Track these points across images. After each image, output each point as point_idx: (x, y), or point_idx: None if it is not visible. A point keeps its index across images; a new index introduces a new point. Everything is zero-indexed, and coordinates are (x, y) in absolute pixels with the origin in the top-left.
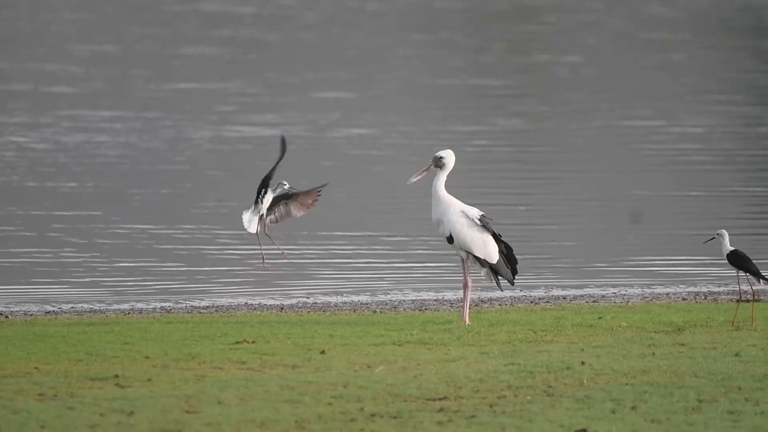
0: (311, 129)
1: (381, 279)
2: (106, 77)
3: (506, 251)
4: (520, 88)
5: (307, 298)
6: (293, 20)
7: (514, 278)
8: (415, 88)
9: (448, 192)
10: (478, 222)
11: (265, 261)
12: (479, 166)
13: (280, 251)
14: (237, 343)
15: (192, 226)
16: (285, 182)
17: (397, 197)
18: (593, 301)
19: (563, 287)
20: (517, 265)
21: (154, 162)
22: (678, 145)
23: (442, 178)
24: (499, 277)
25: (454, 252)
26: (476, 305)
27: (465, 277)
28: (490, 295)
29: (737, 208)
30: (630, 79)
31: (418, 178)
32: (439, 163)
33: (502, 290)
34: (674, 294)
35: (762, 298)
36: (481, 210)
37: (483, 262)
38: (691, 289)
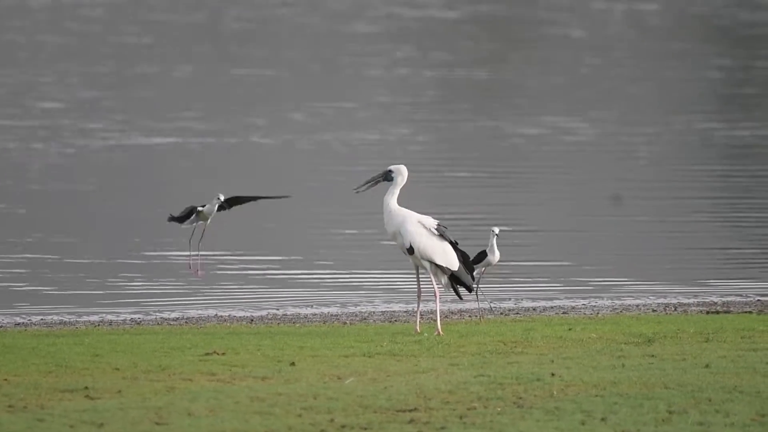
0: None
1: (351, 290)
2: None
3: (463, 258)
4: (486, 100)
5: (277, 309)
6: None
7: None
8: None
9: (405, 205)
10: (435, 231)
11: (199, 272)
12: (445, 181)
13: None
14: (207, 354)
15: (162, 238)
16: (221, 195)
17: (364, 208)
18: (563, 313)
19: (533, 299)
20: (475, 273)
21: (116, 173)
22: (646, 155)
23: (394, 192)
24: (458, 286)
25: (413, 264)
26: (446, 317)
27: (435, 287)
28: (461, 306)
29: (705, 219)
30: (590, 88)
31: (363, 188)
32: (388, 176)
33: (462, 299)
34: (644, 305)
35: (732, 309)
36: (437, 220)
37: (445, 270)
38: (661, 300)
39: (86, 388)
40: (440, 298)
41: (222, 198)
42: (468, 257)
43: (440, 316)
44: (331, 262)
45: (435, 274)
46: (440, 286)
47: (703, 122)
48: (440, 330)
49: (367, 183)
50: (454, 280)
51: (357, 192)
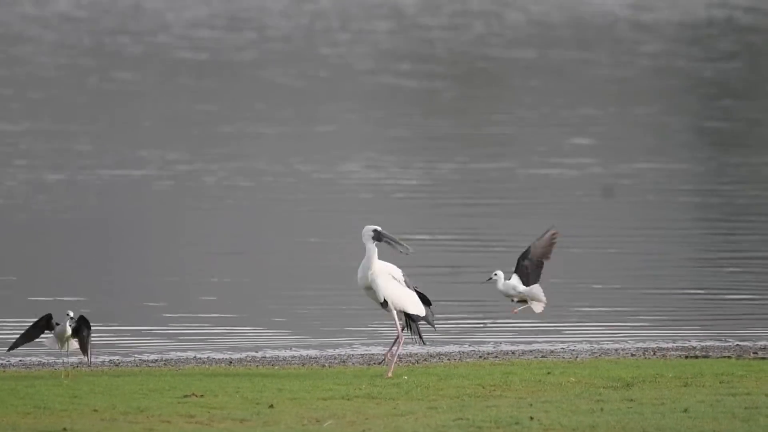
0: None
1: (330, 333)
2: None
3: (423, 300)
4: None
5: (256, 351)
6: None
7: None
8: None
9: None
10: (404, 281)
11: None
12: (424, 219)
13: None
14: (185, 396)
15: (140, 279)
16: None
17: (343, 249)
18: (542, 356)
19: (512, 342)
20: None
21: (86, 211)
22: (624, 196)
23: (375, 250)
24: (421, 330)
25: (383, 311)
26: (425, 360)
27: (399, 332)
28: (439, 349)
29: (684, 263)
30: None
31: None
32: (378, 237)
33: (425, 344)
34: (623, 349)
35: (711, 354)
36: (400, 267)
37: (415, 317)
38: (640, 344)
39: (65, 429)
40: (403, 343)
41: (71, 315)
42: (427, 298)
43: (396, 360)
44: (310, 305)
45: (400, 319)
46: (404, 330)
47: (681, 163)
48: (391, 373)
49: (396, 243)
50: (417, 326)
51: (379, 237)
